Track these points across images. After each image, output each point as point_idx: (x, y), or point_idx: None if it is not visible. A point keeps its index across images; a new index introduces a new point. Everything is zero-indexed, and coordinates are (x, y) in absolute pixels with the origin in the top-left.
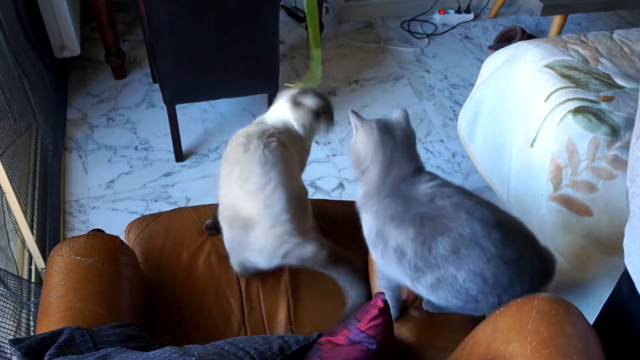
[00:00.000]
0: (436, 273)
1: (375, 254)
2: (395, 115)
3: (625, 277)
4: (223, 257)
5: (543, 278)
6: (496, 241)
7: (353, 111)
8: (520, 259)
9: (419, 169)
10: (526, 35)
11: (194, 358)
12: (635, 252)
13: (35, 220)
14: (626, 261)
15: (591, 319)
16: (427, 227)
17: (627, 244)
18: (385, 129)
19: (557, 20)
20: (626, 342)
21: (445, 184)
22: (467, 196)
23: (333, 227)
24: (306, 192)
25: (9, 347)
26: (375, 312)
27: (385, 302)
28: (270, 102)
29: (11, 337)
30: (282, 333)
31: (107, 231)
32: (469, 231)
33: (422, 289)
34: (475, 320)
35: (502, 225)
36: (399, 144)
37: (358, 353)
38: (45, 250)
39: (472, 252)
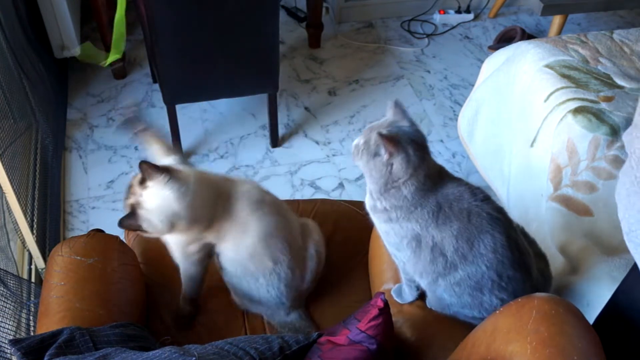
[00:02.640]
0: (468, 269)
1: (402, 255)
2: (391, 114)
3: (626, 278)
4: None
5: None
6: (522, 249)
7: (381, 134)
8: (530, 267)
9: (442, 169)
10: (526, 35)
11: (194, 358)
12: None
13: (35, 220)
14: (627, 238)
15: (591, 319)
16: (474, 224)
17: (625, 218)
18: (416, 145)
19: (557, 20)
20: (626, 342)
21: (470, 185)
22: (495, 202)
23: (333, 227)
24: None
25: (8, 347)
26: (375, 312)
27: (385, 302)
28: (270, 102)
29: (11, 337)
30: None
31: (107, 231)
32: (506, 233)
33: (442, 286)
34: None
35: (525, 234)
36: (427, 155)
37: (358, 353)
38: (45, 250)
39: (505, 253)
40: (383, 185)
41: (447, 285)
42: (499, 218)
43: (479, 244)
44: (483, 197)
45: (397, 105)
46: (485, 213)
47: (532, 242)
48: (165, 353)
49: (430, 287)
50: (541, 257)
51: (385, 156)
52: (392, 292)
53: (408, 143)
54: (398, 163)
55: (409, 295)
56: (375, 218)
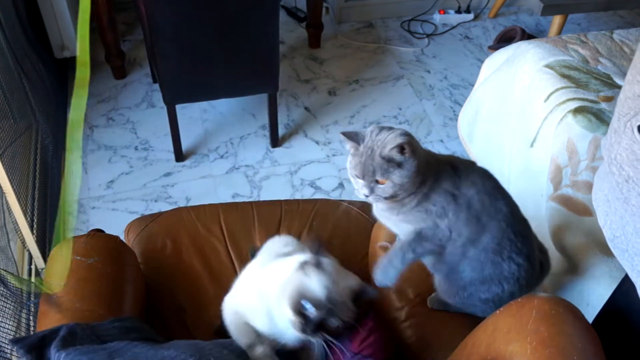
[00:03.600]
0: (492, 230)
1: (446, 232)
2: (349, 146)
3: (625, 278)
4: (223, 257)
5: (544, 269)
6: (523, 219)
7: (401, 145)
8: (523, 217)
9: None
10: (526, 35)
11: None
12: (625, 236)
13: (35, 220)
14: (612, 244)
15: (591, 319)
16: (487, 181)
17: (607, 224)
18: (410, 136)
19: (557, 20)
20: (624, 342)
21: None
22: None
23: (333, 227)
24: None
25: (9, 347)
26: (365, 332)
27: (375, 319)
28: (270, 102)
29: (11, 337)
30: None
31: (107, 231)
32: (507, 194)
33: (470, 258)
34: (475, 320)
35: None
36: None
37: None
38: (45, 250)
39: (514, 211)
40: (414, 176)
41: (475, 254)
42: (496, 179)
43: (496, 201)
44: (477, 166)
45: (346, 134)
46: (488, 175)
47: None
48: (180, 356)
49: (460, 259)
50: (542, 251)
51: (410, 159)
52: (377, 277)
53: (405, 136)
54: (415, 153)
55: (399, 264)
56: (402, 212)
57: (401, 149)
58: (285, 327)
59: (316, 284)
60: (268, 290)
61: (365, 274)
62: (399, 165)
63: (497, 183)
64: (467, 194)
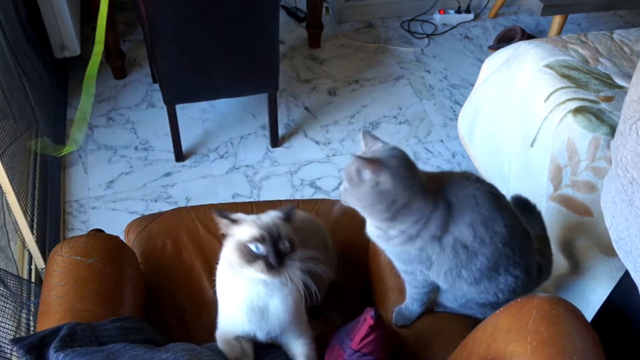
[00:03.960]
0: (486, 252)
1: (425, 266)
2: (364, 145)
3: (623, 277)
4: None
5: (542, 275)
6: (521, 219)
7: (358, 157)
8: (531, 236)
9: (427, 174)
10: (526, 35)
11: None
12: (629, 238)
13: (35, 220)
14: (617, 246)
15: (591, 319)
16: (483, 206)
17: (615, 226)
18: (397, 159)
19: (557, 20)
20: (622, 341)
21: (457, 172)
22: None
23: (333, 227)
24: None
25: (9, 347)
26: (365, 330)
27: (376, 318)
28: (270, 102)
29: (11, 337)
30: None
31: (107, 231)
32: (508, 211)
33: (464, 277)
34: (475, 321)
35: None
36: (412, 163)
37: None
38: (45, 250)
39: (513, 227)
40: (387, 211)
41: (469, 274)
42: (499, 194)
43: (493, 224)
44: (475, 179)
45: (366, 134)
46: (487, 192)
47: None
48: (178, 359)
49: (453, 283)
50: (544, 239)
51: (371, 177)
52: (394, 321)
53: (388, 157)
54: (386, 179)
55: (417, 310)
56: (389, 245)
57: (357, 171)
58: (272, 311)
59: (253, 228)
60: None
61: (365, 274)
62: (358, 184)
63: (496, 203)
64: (455, 231)
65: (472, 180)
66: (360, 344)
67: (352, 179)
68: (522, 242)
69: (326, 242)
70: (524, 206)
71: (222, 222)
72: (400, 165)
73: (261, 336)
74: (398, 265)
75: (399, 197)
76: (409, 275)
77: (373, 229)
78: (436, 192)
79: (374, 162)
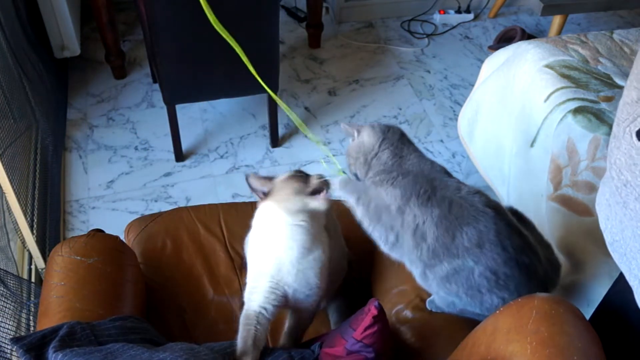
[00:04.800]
0: (454, 263)
1: (390, 237)
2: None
3: (620, 277)
4: (223, 257)
5: (548, 287)
6: (517, 246)
7: (346, 124)
8: (531, 265)
9: (434, 163)
10: (526, 35)
11: None
12: (624, 240)
13: (35, 220)
14: (611, 248)
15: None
16: (454, 214)
17: (607, 228)
18: (381, 124)
19: (557, 20)
20: (620, 341)
21: (461, 182)
22: (490, 198)
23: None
24: None
25: (9, 347)
26: (369, 320)
27: (380, 309)
28: (270, 102)
29: (11, 337)
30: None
31: (107, 231)
32: (495, 228)
33: (434, 280)
34: (475, 321)
35: (522, 234)
36: (397, 128)
37: None
38: (45, 250)
39: (494, 249)
40: (363, 161)
41: (437, 280)
42: (486, 212)
43: (462, 236)
44: (469, 191)
45: (346, 125)
46: (469, 205)
47: (534, 231)
48: (175, 359)
49: (423, 280)
50: (547, 246)
51: (354, 134)
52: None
53: (372, 124)
54: (366, 133)
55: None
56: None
57: (348, 135)
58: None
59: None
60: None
61: (365, 275)
62: (350, 146)
63: (475, 210)
64: (418, 217)
65: (461, 190)
66: (363, 334)
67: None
68: (509, 268)
69: (340, 236)
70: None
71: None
72: (377, 126)
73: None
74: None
75: (370, 149)
76: (381, 240)
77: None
78: (408, 163)
79: (355, 126)
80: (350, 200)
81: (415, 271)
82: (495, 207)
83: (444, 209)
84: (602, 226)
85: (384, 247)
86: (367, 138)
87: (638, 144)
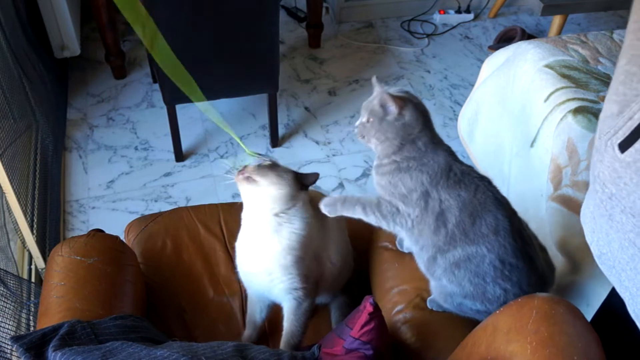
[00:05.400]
0: (468, 250)
1: (407, 221)
2: (378, 87)
3: None
4: (223, 257)
5: (545, 285)
6: (525, 237)
7: (388, 93)
8: (534, 259)
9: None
10: (526, 35)
11: None
12: (612, 253)
13: (35, 220)
14: (599, 261)
15: (590, 319)
16: (478, 199)
17: (594, 241)
18: (417, 100)
19: (557, 20)
20: (621, 342)
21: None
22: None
23: None
24: None
25: (9, 346)
26: (365, 317)
27: (375, 306)
28: (270, 102)
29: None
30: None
31: (107, 231)
32: (509, 218)
33: (442, 266)
34: (475, 321)
35: (527, 229)
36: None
37: None
38: (45, 250)
39: (507, 238)
40: (399, 144)
41: (446, 266)
42: (503, 202)
43: (481, 223)
44: (488, 181)
45: (377, 80)
46: (491, 192)
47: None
48: (173, 355)
49: (430, 266)
50: (542, 249)
51: (395, 111)
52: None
53: (412, 98)
54: (409, 114)
55: (350, 208)
56: (379, 173)
57: (382, 106)
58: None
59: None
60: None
61: (365, 275)
62: (382, 117)
63: (495, 198)
64: (444, 202)
65: (483, 179)
66: (361, 331)
67: (375, 113)
68: (516, 259)
69: (344, 232)
70: None
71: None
72: (420, 103)
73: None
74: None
75: (412, 130)
76: (396, 225)
77: (375, 161)
78: (441, 149)
79: (400, 98)
80: (356, 215)
81: (424, 255)
82: (504, 198)
83: (470, 192)
84: (588, 239)
85: (400, 231)
86: (409, 118)
87: (621, 156)
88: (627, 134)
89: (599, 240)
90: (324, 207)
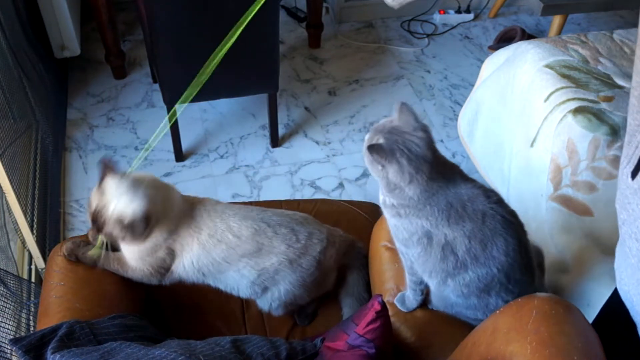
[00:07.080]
0: (479, 271)
1: (412, 252)
2: (397, 117)
3: None
4: None
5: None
6: (530, 252)
7: (370, 147)
8: (534, 270)
9: (455, 168)
10: (526, 35)
11: None
12: (628, 279)
13: (35, 220)
14: (618, 286)
15: (591, 319)
16: (487, 226)
17: (618, 267)
18: (411, 153)
19: (557, 20)
20: (624, 342)
21: (484, 187)
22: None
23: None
24: None
25: (9, 347)
26: (372, 315)
27: (383, 305)
28: (270, 102)
29: (11, 337)
30: (282, 332)
31: None
32: (517, 237)
33: (450, 287)
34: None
35: (528, 241)
36: (428, 157)
37: (357, 358)
38: (45, 250)
39: (516, 258)
40: (386, 186)
41: (456, 286)
42: (513, 222)
43: (492, 247)
44: (497, 199)
45: (403, 107)
46: (500, 216)
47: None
48: (171, 355)
49: (438, 287)
50: (537, 252)
51: (379, 166)
52: (395, 302)
53: (402, 153)
54: (392, 173)
55: (413, 301)
56: (385, 212)
57: (369, 152)
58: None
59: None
60: None
61: (364, 274)
62: (371, 164)
63: (505, 229)
64: (449, 235)
65: (492, 199)
66: (366, 329)
67: (367, 158)
68: (521, 274)
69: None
70: None
71: None
72: (410, 162)
73: None
74: (394, 240)
75: (397, 186)
76: (402, 256)
77: (380, 192)
78: (438, 191)
79: (382, 156)
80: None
81: (433, 281)
82: (514, 215)
83: (478, 222)
84: (615, 266)
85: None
86: (392, 177)
87: (630, 183)
88: (635, 162)
89: (619, 267)
90: (400, 306)
